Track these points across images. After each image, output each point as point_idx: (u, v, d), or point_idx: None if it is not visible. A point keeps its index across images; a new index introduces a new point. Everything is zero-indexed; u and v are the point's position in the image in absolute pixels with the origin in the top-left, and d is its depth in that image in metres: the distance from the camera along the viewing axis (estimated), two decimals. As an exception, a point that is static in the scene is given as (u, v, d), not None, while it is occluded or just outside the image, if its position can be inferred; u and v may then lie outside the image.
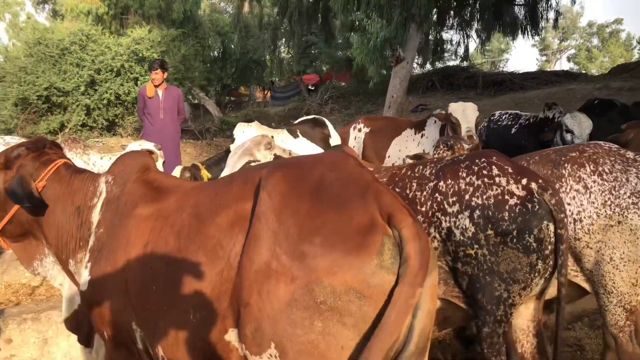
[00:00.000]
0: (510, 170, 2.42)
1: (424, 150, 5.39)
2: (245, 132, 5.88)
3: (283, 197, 1.64)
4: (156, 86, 6.86)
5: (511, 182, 2.38)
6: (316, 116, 6.77)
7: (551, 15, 14.72)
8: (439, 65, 19.82)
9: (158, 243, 1.93)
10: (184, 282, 1.77)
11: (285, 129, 6.32)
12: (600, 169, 2.62)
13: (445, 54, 18.05)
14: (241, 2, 17.31)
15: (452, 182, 2.48)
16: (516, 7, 14.54)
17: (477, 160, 2.49)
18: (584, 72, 27.49)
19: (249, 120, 6.00)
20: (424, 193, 2.54)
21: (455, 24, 14.30)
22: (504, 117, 6.83)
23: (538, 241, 2.31)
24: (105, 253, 2.12)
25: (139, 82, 13.82)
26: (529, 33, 14.95)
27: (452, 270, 2.48)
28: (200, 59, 23.65)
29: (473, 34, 14.43)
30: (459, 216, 2.41)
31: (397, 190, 2.65)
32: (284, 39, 21.92)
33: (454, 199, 2.44)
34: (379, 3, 11.76)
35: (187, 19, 22.21)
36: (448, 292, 2.56)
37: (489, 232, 2.34)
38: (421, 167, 2.69)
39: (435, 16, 13.81)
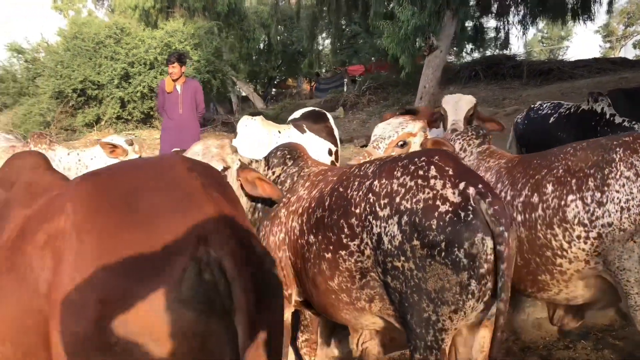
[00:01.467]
0: (450, 173, 2.06)
1: None
2: (249, 126, 5.65)
3: (87, 211, 1.38)
4: (174, 80, 6.74)
5: (447, 185, 2.03)
6: (316, 108, 6.45)
7: (605, -2, 13.74)
8: (487, 53, 18.93)
9: None
10: None
11: (292, 124, 6.05)
12: None
13: (492, 42, 17.17)
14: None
15: (386, 182, 2.15)
16: (567, -9, 13.62)
17: (416, 159, 2.16)
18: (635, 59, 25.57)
19: (254, 113, 5.75)
20: (360, 193, 2.24)
21: (496, 10, 13.52)
22: (544, 106, 6.33)
23: (469, 257, 1.95)
24: None
25: (172, 75, 13.94)
26: (580, 19, 14.00)
27: (384, 284, 2.17)
28: (245, 51, 23.80)
29: (515, 20, 13.58)
30: (389, 221, 2.09)
31: (340, 189, 2.36)
32: (329, 30, 21.60)
33: (386, 201, 2.12)
34: (412, -11, 11.26)
35: (231, 11, 22.28)
36: (384, 310, 2.25)
37: (415, 242, 2.01)
38: (369, 164, 2.38)
39: (473, 2, 13.12)
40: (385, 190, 2.13)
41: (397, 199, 2.08)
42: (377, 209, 2.13)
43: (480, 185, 2.01)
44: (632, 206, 2.29)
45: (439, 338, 2.03)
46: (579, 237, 2.42)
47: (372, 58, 25.04)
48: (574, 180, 2.47)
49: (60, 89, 12.47)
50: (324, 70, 29.88)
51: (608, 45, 44.98)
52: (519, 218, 2.59)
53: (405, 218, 2.04)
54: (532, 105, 6.31)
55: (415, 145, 2.95)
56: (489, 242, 1.96)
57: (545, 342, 3.70)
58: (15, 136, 5.29)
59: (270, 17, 20.23)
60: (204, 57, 14.04)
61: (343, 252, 2.24)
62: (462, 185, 2.01)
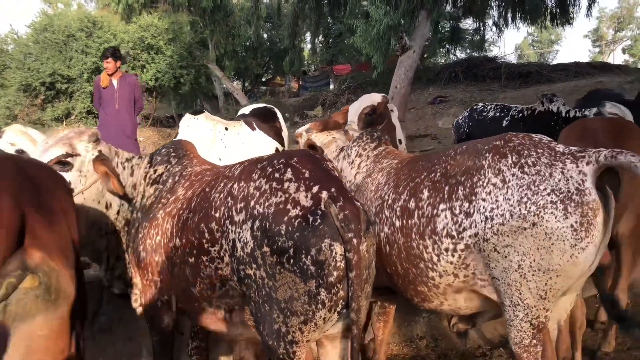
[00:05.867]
0: (306, 175, 1.94)
1: None
2: (191, 126, 5.48)
3: None
4: (110, 75, 6.62)
5: (301, 189, 1.91)
6: (267, 105, 6.28)
7: (584, 2, 13.70)
8: (465, 54, 18.86)
9: None
10: None
11: (243, 120, 5.91)
12: (522, 161, 2.17)
13: (470, 44, 17.09)
14: (259, -12, 16.94)
15: (244, 185, 2.04)
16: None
17: (275, 161, 2.04)
18: (623, 63, 25.66)
19: (197, 112, 5.60)
20: (221, 195, 2.12)
21: (472, 12, 13.43)
22: (489, 108, 6.29)
23: (317, 264, 1.83)
24: None
25: (144, 70, 13.77)
26: (558, 22, 13.96)
27: (242, 294, 2.05)
28: (230, 47, 23.62)
29: (491, 22, 13.51)
30: (243, 227, 1.97)
31: (207, 190, 2.24)
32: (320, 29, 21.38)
33: (242, 205, 2.00)
34: (387, -11, 11.15)
35: (217, 7, 22.04)
36: (245, 321, 2.14)
37: (265, 249, 1.89)
38: (239, 164, 2.26)
39: (449, 2, 13.03)
40: (242, 193, 2.02)
41: (252, 203, 1.96)
42: (234, 213, 2.01)
43: (333, 189, 1.89)
44: (496, 215, 2.16)
45: (290, 351, 1.91)
46: (447, 250, 2.30)
47: (362, 57, 24.98)
48: (447, 188, 2.34)
49: (27, 82, 12.25)
50: (313, 69, 29.79)
51: (597, 50, 45.18)
52: (397, 223, 2.47)
53: (257, 223, 1.92)
54: (475, 107, 6.24)
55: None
56: (338, 249, 1.84)
57: (464, 349, 3.60)
58: None
59: (251, 13, 20.02)
60: (177, 52, 13.86)
61: (205, 258, 2.12)
62: (315, 189, 1.89)
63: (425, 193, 2.40)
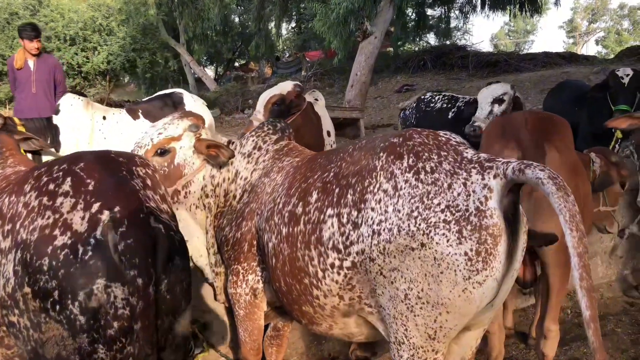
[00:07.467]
0: (89, 188, 1.44)
1: None
2: (74, 105, 5.09)
3: None
4: (34, 55, 5.96)
5: (78, 207, 1.41)
6: (176, 90, 5.78)
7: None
8: (431, 42, 18.43)
9: None
10: None
11: (126, 108, 5.46)
12: (420, 165, 1.73)
13: (435, 31, 16.68)
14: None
15: (15, 200, 1.53)
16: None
17: (55, 167, 1.53)
18: (595, 54, 25.62)
19: (79, 93, 5.16)
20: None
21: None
22: (436, 99, 5.91)
23: (88, 313, 1.34)
24: None
25: (96, 52, 13.05)
26: (527, 11, 13.63)
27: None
28: (200, 31, 22.83)
29: (457, 9, 13.09)
30: (8, 257, 1.47)
31: None
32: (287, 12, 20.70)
33: (9, 227, 1.50)
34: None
35: (185, -11, 21.15)
36: None
37: (27, 289, 1.39)
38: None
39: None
40: (11, 211, 1.52)
41: (17, 226, 1.46)
42: (1, 238, 1.51)
43: (119, 207, 1.39)
44: (384, 230, 1.72)
45: None
46: (332, 265, 1.88)
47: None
48: (337, 190, 1.92)
49: (-37, 63, 11.48)
50: (287, 55, 29.18)
51: (572, 40, 45.36)
52: (284, 231, 2.07)
53: (19, 254, 1.42)
54: (422, 97, 5.84)
55: (183, 152, 2.39)
56: (119, 292, 1.35)
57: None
58: None
59: (215, -5, 19.27)
60: (130, 34, 13.16)
61: None
62: (95, 207, 1.40)
63: (314, 196, 2.00)
